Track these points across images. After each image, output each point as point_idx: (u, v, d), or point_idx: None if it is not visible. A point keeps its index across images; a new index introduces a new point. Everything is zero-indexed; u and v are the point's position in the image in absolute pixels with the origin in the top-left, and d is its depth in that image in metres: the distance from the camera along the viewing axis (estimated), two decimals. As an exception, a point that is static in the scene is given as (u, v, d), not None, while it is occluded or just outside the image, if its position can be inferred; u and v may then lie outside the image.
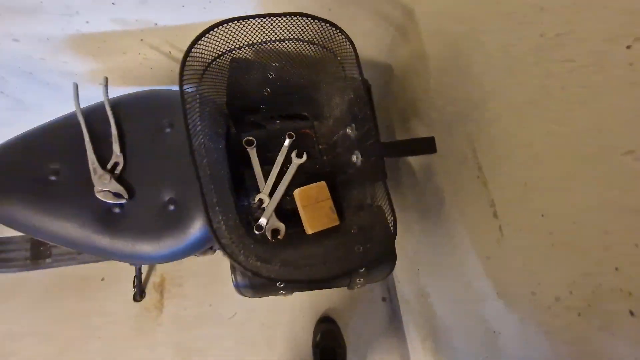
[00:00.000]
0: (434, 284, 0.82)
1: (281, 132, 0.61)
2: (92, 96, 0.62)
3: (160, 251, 0.51)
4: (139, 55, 0.73)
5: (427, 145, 0.58)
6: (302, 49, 0.49)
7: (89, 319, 1.07)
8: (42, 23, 0.61)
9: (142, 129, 0.54)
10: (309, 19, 0.42)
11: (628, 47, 0.29)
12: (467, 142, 0.57)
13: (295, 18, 0.42)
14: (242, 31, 0.45)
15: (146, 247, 0.50)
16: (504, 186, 0.49)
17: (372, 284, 1.17)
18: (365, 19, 0.73)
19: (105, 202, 0.50)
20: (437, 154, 0.65)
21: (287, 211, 0.58)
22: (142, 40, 0.69)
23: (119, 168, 0.51)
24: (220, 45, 0.46)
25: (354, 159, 0.50)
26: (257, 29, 0.44)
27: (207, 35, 0.42)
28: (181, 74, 0.40)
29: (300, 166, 0.59)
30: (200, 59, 0.45)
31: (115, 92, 0.61)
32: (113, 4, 0.59)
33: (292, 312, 1.10)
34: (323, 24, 0.43)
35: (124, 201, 0.50)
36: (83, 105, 0.55)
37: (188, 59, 0.41)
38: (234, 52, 0.47)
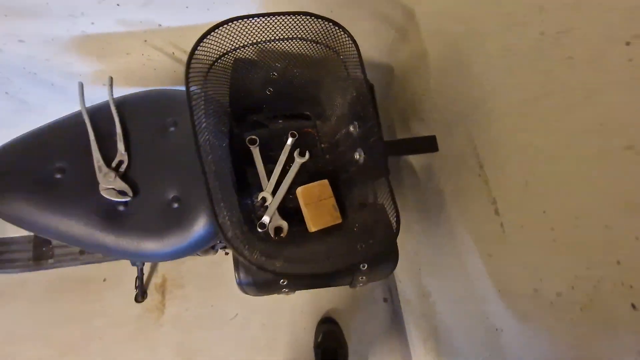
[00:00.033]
0: (435, 284, 0.82)
1: (284, 131, 0.61)
2: (96, 97, 0.63)
3: (164, 249, 0.51)
4: (142, 56, 0.74)
5: (428, 144, 0.59)
6: (305, 49, 0.50)
7: (90, 320, 1.07)
8: (48, 24, 0.62)
9: (147, 127, 0.54)
10: (313, 18, 0.43)
11: (627, 43, 0.30)
12: (467, 140, 0.58)
13: (299, 17, 0.43)
14: (247, 30, 0.45)
15: (150, 245, 0.51)
16: (505, 184, 0.50)
17: (373, 284, 1.18)
18: (366, 20, 0.74)
19: (109, 199, 0.50)
20: (438, 153, 0.65)
21: (289, 209, 0.58)
22: (145, 41, 0.70)
23: (124, 166, 0.52)
24: (225, 43, 0.46)
25: (357, 156, 0.50)
26: (261, 27, 0.45)
27: (213, 32, 0.43)
28: (187, 70, 0.40)
29: (303, 165, 0.60)
30: (205, 57, 0.46)
31: (119, 93, 0.62)
32: (118, 5, 0.60)
33: (294, 313, 1.10)
34: (326, 23, 0.44)
35: (128, 199, 0.50)
36: (87, 105, 0.56)
37: (194, 56, 0.41)
38: (238, 50, 0.48)
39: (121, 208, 0.52)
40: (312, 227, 0.55)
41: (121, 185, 0.50)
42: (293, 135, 0.60)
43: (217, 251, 0.88)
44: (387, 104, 0.93)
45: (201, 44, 0.42)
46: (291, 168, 0.59)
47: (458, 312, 0.72)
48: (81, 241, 0.50)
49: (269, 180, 0.58)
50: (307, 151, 0.60)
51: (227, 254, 1.18)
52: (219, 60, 0.47)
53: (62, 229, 0.50)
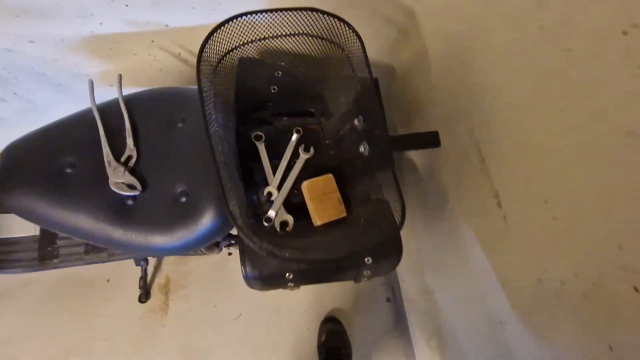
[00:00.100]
0: (439, 280, 0.83)
1: (288, 128, 0.62)
2: (103, 98, 0.64)
3: (173, 242, 0.52)
4: (149, 56, 0.75)
5: (431, 139, 0.60)
6: (310, 45, 0.51)
7: (94, 320, 1.07)
8: (58, 24, 0.63)
9: (155, 123, 0.55)
10: (318, 13, 0.44)
11: (624, 32, 0.31)
12: (469, 135, 0.59)
13: (305, 13, 0.44)
14: (255, 25, 0.47)
15: (159, 239, 0.51)
16: (508, 176, 0.50)
17: (376, 284, 1.18)
18: (367, 20, 0.75)
19: (119, 194, 0.51)
20: (440, 150, 0.66)
21: (295, 205, 0.59)
22: (152, 41, 0.71)
23: (133, 161, 0.53)
24: (233, 38, 0.48)
25: (362, 149, 0.51)
26: (269, 23, 0.46)
27: (222, 27, 0.44)
28: (199, 62, 0.41)
29: (308, 161, 0.61)
30: (215, 51, 0.47)
31: (126, 93, 0.63)
32: (127, 5, 0.61)
33: (297, 313, 1.11)
34: (331, 18, 0.46)
35: (137, 193, 0.51)
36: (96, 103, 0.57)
37: (205, 49, 0.42)
38: (246, 45, 0.49)
39: (130, 202, 0.52)
40: (317, 221, 0.55)
41: (130, 179, 0.51)
42: (298, 132, 0.61)
43: (221, 249, 0.89)
44: (389, 104, 0.94)
45: (211, 38, 0.43)
46: (296, 163, 0.60)
47: (462, 308, 0.72)
48: (90, 235, 0.51)
49: (274, 175, 0.59)
50: (311, 147, 0.61)
51: (230, 254, 1.19)
52: (227, 57, 0.48)
53: (72, 223, 0.50)
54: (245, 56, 0.62)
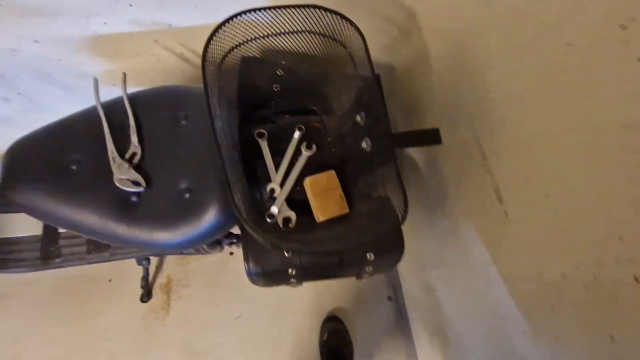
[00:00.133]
0: (440, 278, 0.83)
1: (291, 125, 0.63)
2: (107, 97, 0.64)
3: (176, 238, 0.52)
4: (152, 56, 0.76)
5: (432, 137, 0.61)
6: (313, 43, 0.52)
7: (96, 320, 1.08)
8: (63, 24, 0.64)
9: (159, 121, 0.56)
10: (321, 10, 0.45)
11: (622, 26, 0.32)
12: (470, 132, 0.59)
13: (308, 10, 0.45)
14: (258, 22, 0.47)
15: (163, 235, 0.52)
16: (509, 172, 0.51)
17: (377, 283, 1.18)
18: (368, 20, 0.75)
19: (123, 190, 0.51)
20: (441, 148, 0.67)
21: (297, 201, 0.60)
22: (156, 41, 0.72)
23: (137, 158, 0.53)
24: (236, 35, 0.48)
25: (364, 145, 0.52)
26: (272, 20, 0.47)
27: (228, 23, 0.44)
28: (204, 58, 0.42)
29: (310, 158, 0.61)
30: (219, 48, 0.47)
31: (129, 92, 0.64)
32: (131, 5, 0.62)
33: (298, 312, 1.11)
34: (333, 15, 0.46)
35: (141, 189, 0.52)
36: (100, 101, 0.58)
37: (210, 45, 0.43)
38: (249, 43, 0.50)
39: (134, 199, 0.53)
40: (320, 217, 0.56)
41: (134, 175, 0.51)
42: (300, 129, 0.62)
43: (223, 248, 0.89)
44: (390, 103, 0.94)
45: (217, 34, 0.44)
46: (298, 160, 0.61)
47: (463, 305, 0.73)
48: (95, 231, 0.52)
49: (277, 172, 0.59)
50: (313, 144, 0.61)
51: (231, 254, 1.19)
52: (230, 54, 0.49)
53: (77, 219, 0.51)
54: (248, 55, 0.63)
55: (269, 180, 0.59)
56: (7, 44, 0.66)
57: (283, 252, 0.57)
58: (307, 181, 0.57)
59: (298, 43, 0.53)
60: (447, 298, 0.81)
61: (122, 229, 0.52)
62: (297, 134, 0.62)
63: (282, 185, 0.59)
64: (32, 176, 0.51)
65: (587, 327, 0.40)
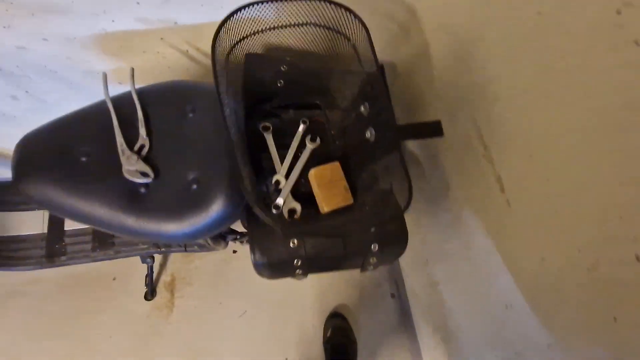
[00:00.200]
0: (443, 271, 0.83)
1: (295, 119, 0.64)
2: (114, 94, 0.66)
3: (184, 229, 0.53)
4: (157, 54, 0.77)
5: (434, 129, 0.62)
6: (317, 36, 0.53)
7: (100, 318, 1.08)
8: (71, 22, 0.65)
9: (166, 114, 0.57)
10: (325, 2, 0.46)
11: (618, 11, 0.33)
12: (471, 124, 0.60)
13: (312, 2, 0.46)
14: (264, 14, 0.49)
15: (171, 226, 0.53)
16: (510, 159, 0.52)
17: (380, 281, 1.19)
18: (369, 18, 0.77)
19: (132, 181, 0.52)
20: (443, 141, 0.68)
21: (301, 194, 0.60)
22: (162, 38, 0.73)
23: (145, 150, 0.54)
24: (243, 28, 0.50)
25: (368, 134, 0.53)
26: (277, 12, 0.48)
27: (236, 14, 0.46)
28: (213, 46, 0.43)
29: (314, 151, 0.62)
30: (227, 39, 0.49)
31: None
32: (138, 3, 0.64)
33: (302, 309, 1.11)
34: (337, 8, 0.48)
35: (149, 180, 0.53)
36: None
37: (219, 34, 0.44)
38: (256, 35, 0.51)
39: (142, 190, 0.54)
40: (324, 208, 0.57)
41: (143, 167, 0.52)
42: (304, 122, 0.63)
43: (227, 244, 0.90)
44: (391, 100, 0.96)
45: (225, 25, 0.45)
46: (303, 153, 0.62)
47: (466, 296, 0.73)
48: (104, 222, 0.53)
49: (281, 164, 0.60)
50: (318, 137, 0.62)
51: (235, 252, 1.20)
52: (238, 46, 0.50)
53: (86, 210, 0.52)
54: (252, 51, 0.64)
55: (274, 173, 0.60)
56: (16, 42, 0.68)
57: (289, 243, 0.58)
58: (312, 172, 0.58)
59: (302, 37, 0.55)
60: (451, 292, 0.81)
61: (130, 220, 0.53)
62: (301, 127, 0.63)
63: (287, 177, 0.60)
64: (43, 168, 0.52)
65: (590, 309, 0.41)
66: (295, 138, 0.62)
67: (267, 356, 1.06)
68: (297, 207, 0.58)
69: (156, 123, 0.57)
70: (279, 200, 0.58)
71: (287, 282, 1.13)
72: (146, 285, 1.09)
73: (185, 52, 0.78)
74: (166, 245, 0.97)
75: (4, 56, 0.71)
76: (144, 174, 0.53)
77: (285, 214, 0.58)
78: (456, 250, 0.74)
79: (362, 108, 0.53)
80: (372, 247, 0.60)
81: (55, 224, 0.99)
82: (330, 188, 0.58)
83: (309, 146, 0.62)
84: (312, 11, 0.48)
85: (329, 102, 0.67)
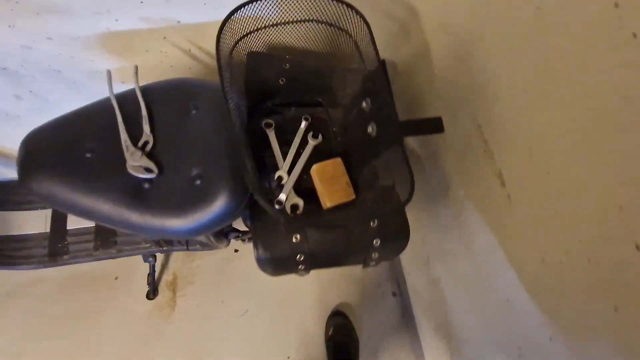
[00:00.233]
0: (444, 269, 0.84)
1: (297, 117, 0.64)
2: (117, 93, 0.66)
3: (188, 224, 0.53)
4: (160, 53, 0.78)
5: (434, 125, 0.62)
6: (318, 33, 0.54)
7: (102, 317, 1.08)
8: (76, 21, 0.66)
9: (170, 111, 0.58)
10: (327, -1, 0.47)
11: (615, 4, 0.33)
12: (471, 120, 0.61)
13: (314, -1, 0.47)
14: (267, 11, 0.49)
15: (175, 221, 0.53)
16: (511, 154, 0.52)
17: (381, 280, 1.19)
18: (369, 17, 0.78)
19: (136, 177, 0.53)
20: (443, 138, 0.68)
21: (304, 190, 0.61)
22: (165, 37, 0.74)
23: (149, 146, 0.55)
24: (247, 24, 0.50)
25: (370, 129, 0.54)
26: (280, 9, 0.49)
27: (240, 10, 0.46)
28: (218, 40, 0.44)
29: (316, 147, 0.63)
30: (230, 34, 0.49)
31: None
32: (141, 2, 0.64)
33: (303, 308, 1.11)
34: (339, 4, 0.48)
35: (153, 175, 0.53)
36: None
37: (223, 30, 0.45)
38: (259, 31, 0.52)
39: (146, 186, 0.54)
40: (327, 203, 0.57)
41: (147, 162, 0.53)
42: (306, 119, 0.64)
43: (229, 242, 0.90)
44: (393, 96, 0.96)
45: (230, 19, 0.46)
46: (305, 149, 0.62)
47: (468, 293, 0.73)
48: (109, 218, 0.53)
49: (284, 161, 0.61)
50: (319, 134, 0.63)
51: (236, 251, 1.20)
52: (241, 42, 0.51)
53: (91, 206, 0.52)
54: (254, 50, 0.65)
55: (277, 169, 0.61)
56: (21, 41, 0.68)
57: (291, 238, 0.59)
58: (314, 168, 0.58)
59: (304, 34, 0.55)
60: (452, 289, 0.82)
61: (135, 216, 0.53)
62: (303, 124, 0.63)
63: (289, 173, 0.60)
64: (48, 165, 0.52)
65: (591, 299, 0.41)
66: (297, 135, 0.62)
67: (269, 355, 1.06)
68: (300, 202, 0.59)
69: (160, 120, 0.57)
70: (282, 196, 0.58)
71: (289, 281, 1.14)
72: (148, 284, 1.09)
73: (188, 52, 0.78)
74: (168, 244, 0.97)
75: (9, 55, 0.71)
76: (148, 170, 0.53)
77: (288, 210, 0.58)
78: (457, 247, 0.74)
79: (363, 104, 0.54)
80: (374, 242, 0.61)
81: (58, 223, 0.99)
82: (332, 184, 0.58)
83: (311, 143, 0.62)
84: (314, 7, 0.49)
85: (331, 99, 0.67)
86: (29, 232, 0.99)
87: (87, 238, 0.99)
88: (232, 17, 0.47)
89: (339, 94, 0.66)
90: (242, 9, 0.48)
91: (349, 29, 0.53)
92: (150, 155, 0.54)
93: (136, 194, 0.53)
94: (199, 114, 0.58)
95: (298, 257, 0.59)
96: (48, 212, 1.01)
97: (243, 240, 0.92)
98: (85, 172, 0.52)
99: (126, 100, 0.58)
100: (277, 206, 0.58)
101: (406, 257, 1.09)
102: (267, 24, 0.52)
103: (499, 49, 0.53)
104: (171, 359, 1.05)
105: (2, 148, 0.99)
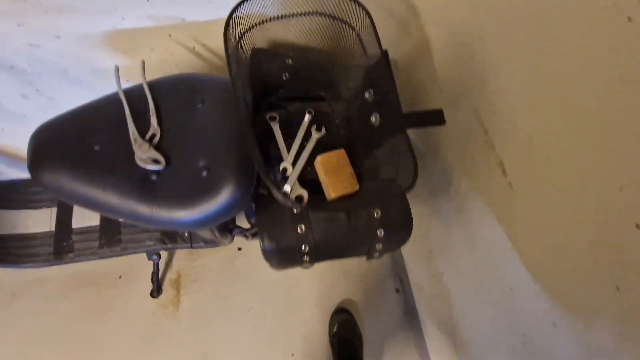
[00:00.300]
0: (447, 262, 0.84)
1: (301, 110, 0.66)
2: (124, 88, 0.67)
3: (195, 215, 0.54)
4: (165, 51, 0.80)
5: (436, 118, 0.63)
6: (321, 27, 0.55)
7: (106, 316, 1.09)
8: (83, 20, 0.68)
9: (177, 104, 0.59)
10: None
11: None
12: (472, 111, 0.62)
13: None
14: (271, 3, 0.51)
15: (182, 212, 0.54)
16: (511, 142, 0.53)
17: (384, 276, 1.19)
18: (371, 11, 0.80)
19: (144, 169, 0.54)
20: (444, 130, 0.69)
21: (307, 182, 0.62)
22: (170, 35, 0.75)
23: (157, 139, 0.56)
24: (251, 18, 0.52)
25: (373, 119, 0.55)
26: (283, 1, 0.50)
27: (244, 3, 0.48)
28: (226, 28, 0.45)
29: (319, 140, 0.64)
30: (237, 27, 0.51)
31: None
32: (147, 0, 0.66)
33: (307, 305, 1.12)
34: (342, -3, 0.50)
35: (161, 167, 0.54)
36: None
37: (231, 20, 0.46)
38: (264, 23, 0.53)
39: (154, 177, 0.55)
40: (331, 194, 0.58)
41: (155, 154, 0.54)
42: (310, 113, 0.65)
43: (233, 238, 0.91)
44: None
45: (236, 11, 0.47)
46: (309, 142, 0.63)
47: (471, 285, 0.74)
48: (117, 209, 0.54)
49: (288, 153, 0.62)
50: (323, 127, 0.64)
51: (240, 249, 1.21)
52: (247, 35, 0.52)
53: (100, 198, 0.53)
54: (258, 46, 0.67)
55: (281, 161, 0.62)
56: (30, 39, 0.70)
57: (296, 229, 0.60)
58: (319, 159, 0.59)
59: (307, 28, 0.57)
60: (455, 282, 0.82)
61: (142, 208, 0.54)
62: (307, 117, 0.64)
63: (293, 165, 0.61)
64: (58, 157, 0.54)
65: (593, 281, 0.42)
66: (301, 128, 0.63)
67: (273, 352, 1.06)
68: (304, 193, 0.60)
69: (166, 113, 0.58)
70: (287, 187, 0.59)
71: (292, 278, 1.15)
72: (152, 282, 1.10)
73: (192, 49, 0.80)
74: (172, 241, 0.98)
75: (17, 54, 0.73)
76: (156, 161, 0.54)
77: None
78: (460, 239, 0.75)
79: (366, 94, 0.55)
80: (377, 232, 0.61)
81: (63, 221, 1.00)
82: (336, 174, 0.59)
83: (315, 135, 0.63)
84: (316, 0, 0.51)
85: (334, 93, 0.68)
86: (35, 231, 1.00)
87: (92, 236, 1.00)
88: (238, 9, 0.48)
89: (341, 88, 0.67)
90: (248, 2, 0.49)
91: (351, 21, 0.54)
92: (157, 148, 0.56)
93: (144, 185, 0.54)
94: (205, 107, 0.59)
95: (303, 247, 0.60)
96: (53, 211, 1.02)
97: (246, 237, 0.93)
98: (94, 164, 0.53)
99: (133, 95, 0.59)
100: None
101: (408, 253, 1.10)
102: (271, 17, 0.54)
103: (498, 41, 0.54)
104: (176, 357, 1.05)
105: (7, 147, 1.00)
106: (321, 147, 0.63)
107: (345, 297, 1.14)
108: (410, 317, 1.11)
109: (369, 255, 0.66)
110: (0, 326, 1.06)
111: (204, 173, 0.56)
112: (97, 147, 0.55)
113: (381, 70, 0.49)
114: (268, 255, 0.60)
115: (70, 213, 1.01)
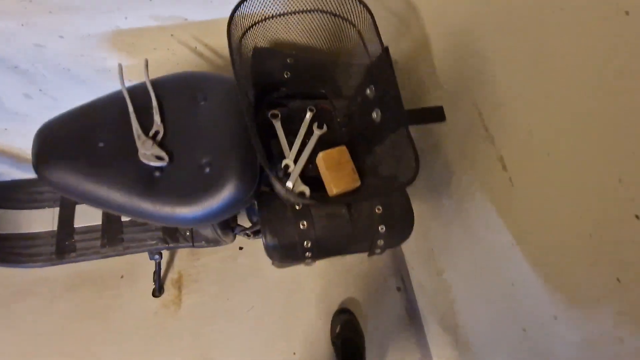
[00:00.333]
0: (448, 259, 0.85)
1: (302, 108, 0.66)
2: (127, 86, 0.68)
3: (197, 212, 0.55)
4: (167, 50, 0.80)
5: (436, 114, 0.64)
6: (322, 24, 0.56)
7: (108, 316, 1.09)
8: (87, 19, 0.68)
9: (179, 102, 0.60)
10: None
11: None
12: (472, 108, 0.62)
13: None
14: (272, 1, 0.51)
15: (185, 208, 0.55)
16: (511, 137, 0.54)
17: (386, 275, 1.19)
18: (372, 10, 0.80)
19: (147, 165, 0.54)
20: (444, 127, 0.70)
21: (309, 179, 0.62)
22: (172, 35, 0.76)
23: (160, 136, 0.57)
24: (253, 15, 0.52)
25: (374, 115, 0.55)
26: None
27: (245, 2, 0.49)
28: (230, 24, 0.45)
29: (321, 137, 0.64)
30: (239, 24, 0.51)
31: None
32: (150, 0, 0.67)
33: (309, 305, 1.12)
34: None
35: (164, 163, 0.55)
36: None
37: (234, 15, 0.47)
38: (266, 21, 0.54)
39: (157, 174, 0.56)
40: (333, 190, 0.58)
41: (158, 151, 0.55)
42: (311, 110, 0.65)
43: (234, 237, 0.92)
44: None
45: (240, 7, 0.48)
46: (310, 139, 0.64)
47: (472, 281, 0.74)
48: (121, 206, 0.54)
49: (290, 149, 0.62)
50: (324, 124, 0.64)
51: (241, 248, 1.21)
52: (249, 32, 0.53)
53: (104, 194, 0.54)
54: (260, 45, 0.67)
55: (283, 158, 0.62)
56: (34, 39, 0.70)
57: (299, 225, 0.60)
58: (320, 155, 0.60)
59: (308, 26, 0.57)
60: (456, 279, 0.82)
61: (146, 204, 0.54)
62: (308, 115, 0.65)
63: (295, 162, 0.62)
64: (62, 154, 0.54)
65: (593, 274, 0.42)
66: (302, 125, 0.64)
67: (275, 351, 1.06)
68: (306, 190, 0.60)
69: (170, 110, 0.59)
70: (289, 184, 0.60)
71: (294, 277, 1.15)
72: (154, 281, 1.10)
73: (194, 49, 0.80)
74: (174, 240, 0.99)
75: (22, 54, 0.73)
76: (159, 158, 0.55)
77: (295, 198, 0.60)
78: (460, 236, 0.75)
79: (367, 91, 0.56)
80: (379, 228, 0.62)
81: (65, 221, 1.00)
82: (338, 170, 0.59)
83: (316, 132, 0.64)
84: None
85: (335, 91, 0.69)
86: (37, 231, 1.01)
87: (94, 236, 1.00)
88: (241, 7, 0.49)
89: (343, 85, 0.68)
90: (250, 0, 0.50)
91: (352, 18, 0.55)
92: (161, 145, 0.56)
93: (147, 182, 0.55)
94: (208, 104, 0.60)
95: (305, 243, 0.60)
96: (55, 211, 1.02)
97: (248, 236, 0.93)
98: (98, 161, 0.54)
99: (136, 92, 0.60)
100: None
101: (410, 251, 1.10)
102: (273, 14, 0.54)
103: (498, 38, 0.54)
104: (177, 356, 1.05)
105: (11, 147, 1.01)
106: (323, 144, 0.64)
107: (347, 296, 1.14)
108: (411, 315, 1.11)
109: (371, 252, 0.66)
110: (2, 326, 1.06)
111: (207, 169, 0.56)
112: (101, 144, 0.55)
113: (382, 66, 0.50)
114: (270, 251, 0.60)
115: (73, 212, 1.01)
